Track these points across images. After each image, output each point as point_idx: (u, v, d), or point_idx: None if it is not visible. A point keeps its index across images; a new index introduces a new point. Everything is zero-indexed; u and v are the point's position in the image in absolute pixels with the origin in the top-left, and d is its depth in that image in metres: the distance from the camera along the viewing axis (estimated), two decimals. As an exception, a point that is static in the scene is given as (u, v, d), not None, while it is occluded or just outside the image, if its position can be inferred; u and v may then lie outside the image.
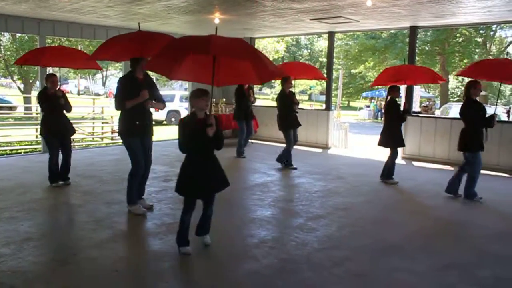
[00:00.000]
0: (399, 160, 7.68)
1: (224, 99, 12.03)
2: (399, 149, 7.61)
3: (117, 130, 5.54)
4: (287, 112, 8.13)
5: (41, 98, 6.43)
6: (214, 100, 11.72)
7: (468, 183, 6.24)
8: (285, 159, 8.33)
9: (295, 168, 8.22)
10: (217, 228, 4.56)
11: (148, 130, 5.32)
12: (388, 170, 7.29)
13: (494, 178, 7.75)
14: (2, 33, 21.50)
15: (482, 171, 6.39)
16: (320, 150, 10.74)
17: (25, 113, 15.04)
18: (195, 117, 3.89)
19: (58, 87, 6.44)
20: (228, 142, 9.51)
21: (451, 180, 6.43)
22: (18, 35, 21.84)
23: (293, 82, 8.40)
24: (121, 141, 5.59)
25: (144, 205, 5.47)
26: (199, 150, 3.88)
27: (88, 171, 7.61)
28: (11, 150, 11.51)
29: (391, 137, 7.17)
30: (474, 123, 6.09)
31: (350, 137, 13.97)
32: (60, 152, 6.59)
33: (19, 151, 11.30)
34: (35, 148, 11.33)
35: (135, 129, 5.15)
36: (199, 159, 3.91)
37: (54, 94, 6.33)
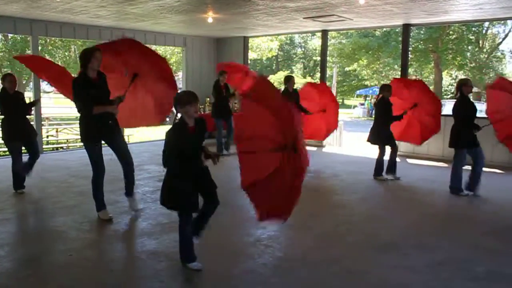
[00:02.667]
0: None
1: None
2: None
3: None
4: None
5: (1, 101, 5.95)
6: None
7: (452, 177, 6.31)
8: None
9: None
10: (213, 227, 4.55)
11: (114, 130, 5.05)
12: (377, 167, 7.34)
13: (487, 174, 7.77)
14: (-6, 33, 21.34)
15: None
16: (314, 149, 10.77)
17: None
18: (186, 126, 3.52)
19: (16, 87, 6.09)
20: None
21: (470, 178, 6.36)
22: (10, 35, 21.69)
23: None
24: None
25: (132, 207, 5.35)
26: (193, 157, 3.65)
27: (83, 172, 7.56)
28: (4, 151, 11.43)
29: (379, 135, 7.23)
30: (464, 121, 6.11)
31: (345, 135, 14.00)
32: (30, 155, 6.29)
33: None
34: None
35: (98, 133, 4.89)
36: (195, 164, 3.68)
37: (15, 95, 6.01)
